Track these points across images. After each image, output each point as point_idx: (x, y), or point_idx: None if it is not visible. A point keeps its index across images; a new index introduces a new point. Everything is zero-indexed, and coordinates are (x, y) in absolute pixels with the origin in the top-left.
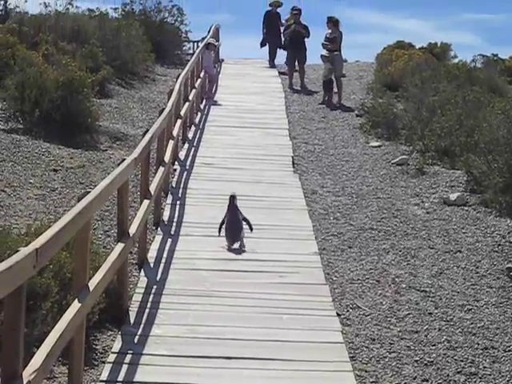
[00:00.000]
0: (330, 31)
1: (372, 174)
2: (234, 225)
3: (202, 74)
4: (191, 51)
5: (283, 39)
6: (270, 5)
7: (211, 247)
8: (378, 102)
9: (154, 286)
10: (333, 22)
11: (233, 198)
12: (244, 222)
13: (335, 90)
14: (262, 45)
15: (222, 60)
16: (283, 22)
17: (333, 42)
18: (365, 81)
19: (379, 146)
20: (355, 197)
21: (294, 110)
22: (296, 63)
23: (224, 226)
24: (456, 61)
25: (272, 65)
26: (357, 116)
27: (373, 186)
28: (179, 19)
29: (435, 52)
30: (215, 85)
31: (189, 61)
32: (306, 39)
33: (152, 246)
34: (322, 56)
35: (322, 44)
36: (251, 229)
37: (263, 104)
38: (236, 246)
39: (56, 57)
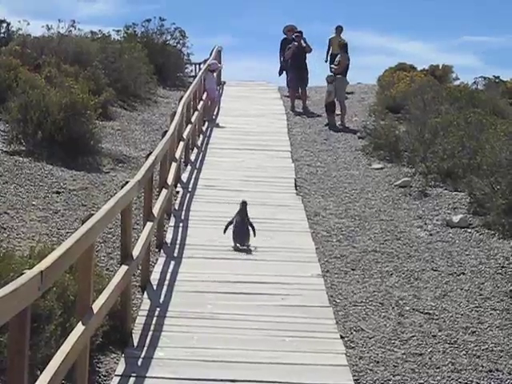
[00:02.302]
0: (339, 54)
1: (375, 196)
2: (241, 228)
3: (204, 97)
4: (193, 73)
5: (286, 57)
6: (285, 32)
7: (214, 269)
8: (380, 124)
9: (157, 309)
10: (341, 46)
11: (244, 203)
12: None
13: (337, 112)
14: (280, 73)
15: (224, 82)
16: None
17: (338, 65)
18: (367, 103)
19: (381, 168)
20: (358, 219)
21: (297, 132)
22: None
23: (232, 227)
24: (458, 83)
25: (291, 96)
26: (359, 138)
27: (375, 208)
28: (181, 41)
29: (437, 74)
30: (217, 107)
31: (191, 83)
32: (308, 54)
33: (155, 269)
34: (327, 77)
35: (330, 67)
36: (254, 234)
37: (265, 126)
38: (243, 247)
39: (59, 79)
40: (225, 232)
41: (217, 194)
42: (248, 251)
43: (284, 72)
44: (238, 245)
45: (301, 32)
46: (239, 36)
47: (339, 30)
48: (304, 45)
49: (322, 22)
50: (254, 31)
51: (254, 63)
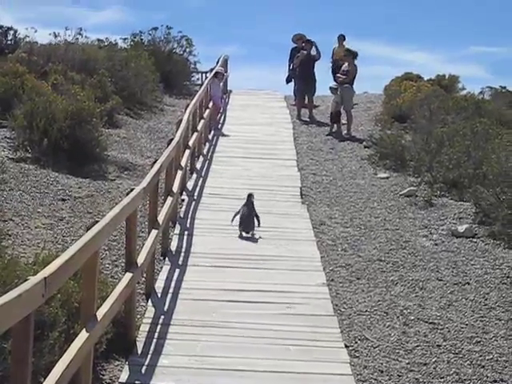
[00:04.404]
0: (346, 64)
1: (380, 206)
2: (247, 218)
3: (210, 105)
4: (200, 82)
5: (294, 66)
6: (294, 41)
7: (219, 278)
8: (386, 133)
9: (162, 317)
10: (351, 55)
11: (250, 196)
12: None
13: (343, 121)
14: (288, 81)
15: (231, 91)
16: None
17: (346, 75)
18: (373, 112)
19: (387, 178)
20: (363, 228)
21: (303, 141)
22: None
23: (239, 217)
24: (464, 93)
25: (298, 104)
26: (365, 147)
27: (381, 217)
28: (188, 50)
29: (443, 84)
30: (223, 115)
31: (197, 91)
32: (317, 63)
33: (160, 276)
34: (330, 88)
35: (334, 76)
36: (259, 224)
37: (271, 135)
38: (247, 234)
39: (65, 86)
40: (232, 221)
41: (222, 202)
42: (253, 259)
43: (292, 81)
44: (243, 233)
45: (309, 40)
46: (248, 45)
47: (341, 39)
48: (314, 53)
49: (329, 31)
50: (262, 40)
51: (261, 72)
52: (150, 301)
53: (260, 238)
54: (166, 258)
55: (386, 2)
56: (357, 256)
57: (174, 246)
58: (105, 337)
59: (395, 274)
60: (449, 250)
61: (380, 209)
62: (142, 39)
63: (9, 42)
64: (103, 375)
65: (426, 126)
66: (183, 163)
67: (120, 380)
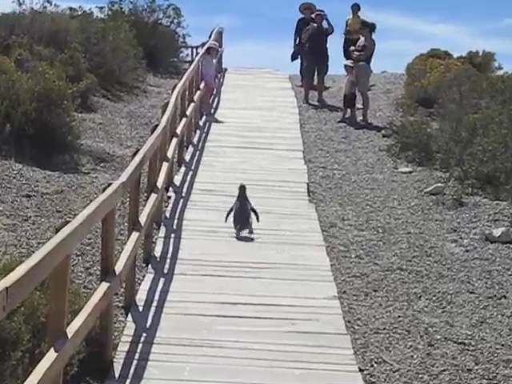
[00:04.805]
0: (362, 38)
1: (401, 205)
2: (242, 213)
3: (201, 86)
4: (189, 58)
5: (302, 40)
6: (301, 11)
7: (211, 289)
8: (409, 120)
9: (144, 334)
10: (367, 28)
11: (242, 188)
12: (252, 213)
13: (359, 105)
14: (293, 58)
15: (225, 69)
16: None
17: (363, 51)
18: (393, 95)
19: (410, 172)
20: (381, 231)
21: (310, 129)
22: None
23: (232, 214)
24: (501, 72)
25: (305, 86)
26: (383, 136)
27: (402, 218)
28: (176, 21)
29: (476, 62)
30: (217, 98)
31: (186, 69)
32: (329, 37)
33: (141, 287)
34: (345, 66)
35: (347, 51)
36: (258, 219)
37: (273, 121)
38: (244, 233)
39: (31, 63)
40: (226, 220)
41: (215, 200)
42: (251, 267)
43: (298, 58)
44: (238, 232)
45: (320, 13)
46: (244, 16)
47: (355, 8)
48: (326, 26)
49: (341, 1)
50: (262, 11)
51: (260, 48)
52: (129, 315)
53: (259, 238)
54: (149, 266)
55: None
56: (373, 264)
57: (158, 251)
58: (76, 357)
59: (419, 286)
60: (482, 258)
61: (401, 209)
62: (121, 8)
63: None
64: None
65: (456, 112)
66: (170, 154)
67: None
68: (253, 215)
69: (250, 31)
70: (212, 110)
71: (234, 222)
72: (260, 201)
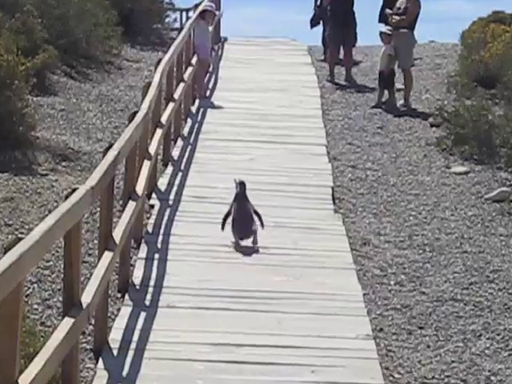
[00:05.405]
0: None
1: (455, 216)
2: (243, 217)
3: (194, 61)
4: (178, 25)
5: (324, 2)
6: None
7: (207, 326)
8: (465, 104)
9: None
10: None
11: (242, 185)
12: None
13: (399, 85)
14: (313, 24)
15: (225, 39)
16: None
17: (404, 14)
18: (444, 72)
19: (466, 173)
20: (429, 250)
21: (336, 116)
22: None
23: (230, 219)
24: None
25: (329, 60)
26: (432, 126)
27: (456, 233)
28: None
29: None
30: (214, 76)
31: (174, 39)
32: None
33: (116, 323)
34: (381, 34)
35: (383, 15)
36: (262, 225)
37: (288, 107)
38: (246, 242)
39: None
40: (223, 228)
41: (211, 209)
42: (258, 297)
43: (320, 23)
44: (238, 240)
45: None
46: None
47: None
48: None
49: None
50: None
51: (272, 12)
52: (100, 361)
53: (269, 258)
54: (126, 296)
55: None
56: (419, 293)
57: (138, 276)
58: None
59: (478, 322)
60: None
61: (455, 220)
62: None
63: None
64: None
65: None
66: (153, 150)
67: None
68: (256, 219)
69: None
70: (208, 93)
71: (233, 229)
72: (271, 211)
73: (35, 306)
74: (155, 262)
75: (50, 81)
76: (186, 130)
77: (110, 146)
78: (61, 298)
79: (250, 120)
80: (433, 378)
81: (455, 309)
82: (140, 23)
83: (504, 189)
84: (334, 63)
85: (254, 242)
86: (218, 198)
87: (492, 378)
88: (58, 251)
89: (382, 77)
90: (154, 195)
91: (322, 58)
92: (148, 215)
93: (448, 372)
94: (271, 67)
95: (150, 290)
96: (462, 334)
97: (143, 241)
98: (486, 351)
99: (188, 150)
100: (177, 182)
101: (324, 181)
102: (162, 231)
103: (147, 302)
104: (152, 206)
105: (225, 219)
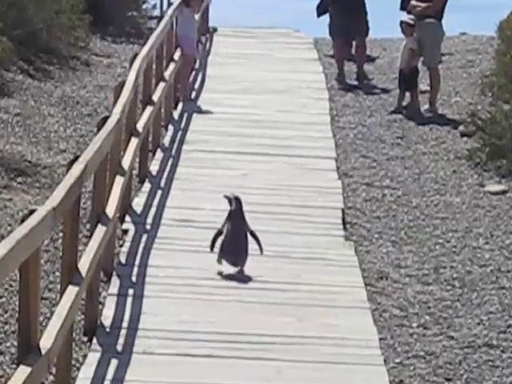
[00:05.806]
0: None
1: (490, 244)
2: (235, 238)
3: (176, 56)
4: (158, 12)
5: None
6: None
7: (190, 377)
8: (502, 109)
9: None
10: None
11: (237, 201)
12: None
13: (424, 86)
14: (320, 12)
15: (215, 30)
16: None
17: (430, 2)
18: (477, 71)
19: (504, 193)
20: (459, 286)
21: (347, 124)
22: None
23: (222, 240)
24: None
25: (337, 55)
26: (462, 136)
27: (492, 265)
28: None
29: None
30: (201, 74)
31: (154, 30)
32: None
33: (81, 373)
34: (401, 24)
35: (405, 1)
36: (261, 249)
37: (290, 112)
38: (240, 275)
39: None
40: (212, 249)
41: (196, 235)
42: (253, 341)
43: (328, 11)
44: (228, 264)
45: None
46: None
47: None
48: None
49: None
50: None
51: None
52: None
53: (268, 294)
54: (94, 340)
55: None
56: (446, 337)
57: (108, 316)
58: None
59: None
60: None
61: (490, 250)
62: None
63: None
64: None
65: None
66: (126, 164)
67: None
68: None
69: None
70: (193, 94)
71: (222, 253)
72: (269, 237)
73: None
74: (129, 299)
75: (4, 79)
76: (166, 140)
77: (76, 159)
78: (15, 343)
79: (244, 128)
80: None
81: (490, 357)
82: (112, 10)
83: None
84: (342, 59)
85: (241, 270)
86: (204, 222)
87: None
88: (11, 285)
89: (402, 76)
90: (127, 218)
91: (331, 53)
92: (121, 242)
93: None
94: (270, 64)
95: (123, 332)
96: None
97: (115, 273)
98: None
99: (169, 163)
100: (155, 202)
101: (333, 202)
102: (137, 262)
103: (119, 347)
104: (125, 232)
105: (215, 239)
